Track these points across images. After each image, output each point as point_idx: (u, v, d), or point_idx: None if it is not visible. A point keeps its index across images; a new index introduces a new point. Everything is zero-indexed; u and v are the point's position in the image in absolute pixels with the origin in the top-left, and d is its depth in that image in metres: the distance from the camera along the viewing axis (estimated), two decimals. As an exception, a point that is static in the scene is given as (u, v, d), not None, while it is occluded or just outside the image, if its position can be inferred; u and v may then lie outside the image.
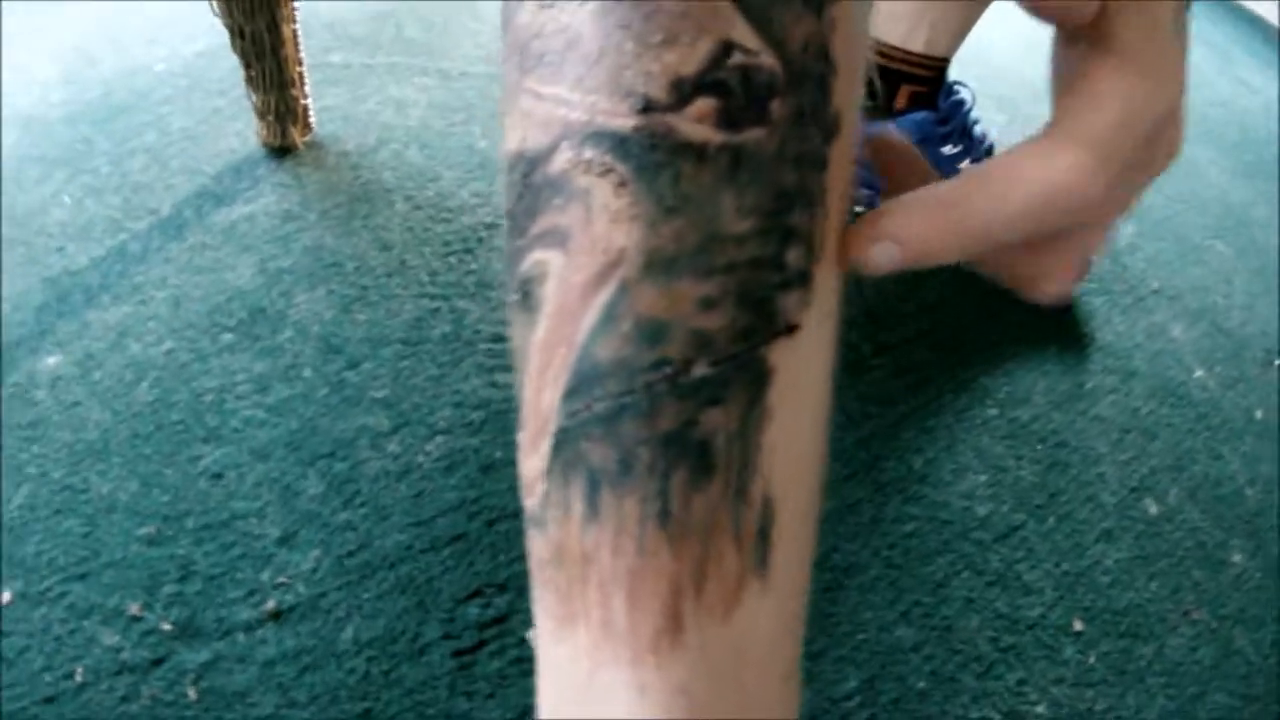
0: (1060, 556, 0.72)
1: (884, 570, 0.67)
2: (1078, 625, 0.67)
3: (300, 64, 0.87)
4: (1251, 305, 1.06)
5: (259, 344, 0.72)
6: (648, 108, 0.19)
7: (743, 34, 0.20)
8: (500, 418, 0.69)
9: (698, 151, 0.19)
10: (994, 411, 0.82)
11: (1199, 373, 0.93)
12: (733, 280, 0.20)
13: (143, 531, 0.60)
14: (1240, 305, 1.05)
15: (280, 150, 0.90)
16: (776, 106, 0.20)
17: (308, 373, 0.70)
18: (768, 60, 0.20)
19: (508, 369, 0.72)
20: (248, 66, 0.84)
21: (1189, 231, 1.14)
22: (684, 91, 0.19)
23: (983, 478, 0.75)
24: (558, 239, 0.20)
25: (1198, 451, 0.84)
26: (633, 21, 0.19)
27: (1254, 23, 2.04)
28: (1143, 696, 0.65)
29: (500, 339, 0.74)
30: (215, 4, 0.79)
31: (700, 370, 0.19)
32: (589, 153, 0.20)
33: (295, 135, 0.89)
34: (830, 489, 0.69)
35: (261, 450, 0.65)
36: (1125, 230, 1.09)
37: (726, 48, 0.19)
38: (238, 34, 0.81)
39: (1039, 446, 0.79)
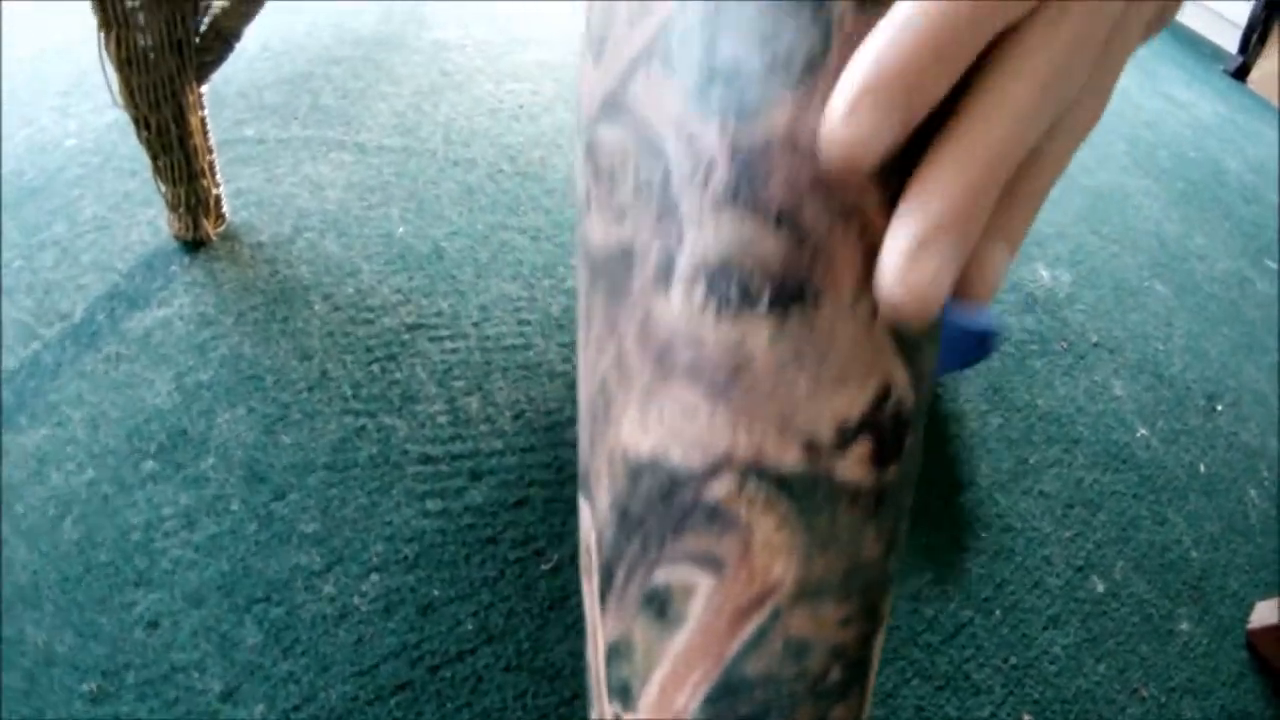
0: (1009, 650, 0.78)
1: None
2: None
3: (210, 152, 0.88)
4: (1192, 347, 1.14)
5: (182, 473, 0.75)
6: (813, 449, 0.21)
7: (899, 375, 0.22)
8: (434, 551, 0.73)
9: (852, 493, 0.22)
10: (940, 503, 0.88)
11: (1141, 431, 1.01)
12: (865, 598, 0.23)
13: (85, 688, 0.64)
14: (1181, 349, 1.13)
15: (193, 243, 0.91)
16: (910, 440, 0.22)
17: (235, 505, 0.73)
18: (911, 398, 0.22)
19: (439, 494, 0.76)
20: (154, 158, 0.85)
21: (1126, 274, 1.22)
22: (847, 436, 0.21)
23: (929, 575, 0.82)
24: (710, 563, 0.22)
25: (1142, 518, 0.92)
26: (807, 355, 0.21)
27: (1177, 34, 2.12)
28: None
29: (429, 459, 0.78)
30: (117, 93, 0.80)
31: (834, 675, 0.22)
32: (752, 486, 0.21)
33: (208, 227, 0.90)
34: None
35: (195, 594, 0.68)
36: (1063, 279, 1.17)
37: (886, 390, 0.22)
38: (142, 125, 0.82)
39: (983, 535, 0.86)
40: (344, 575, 0.71)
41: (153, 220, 0.93)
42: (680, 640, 0.22)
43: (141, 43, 0.76)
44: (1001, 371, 1.02)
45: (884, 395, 0.21)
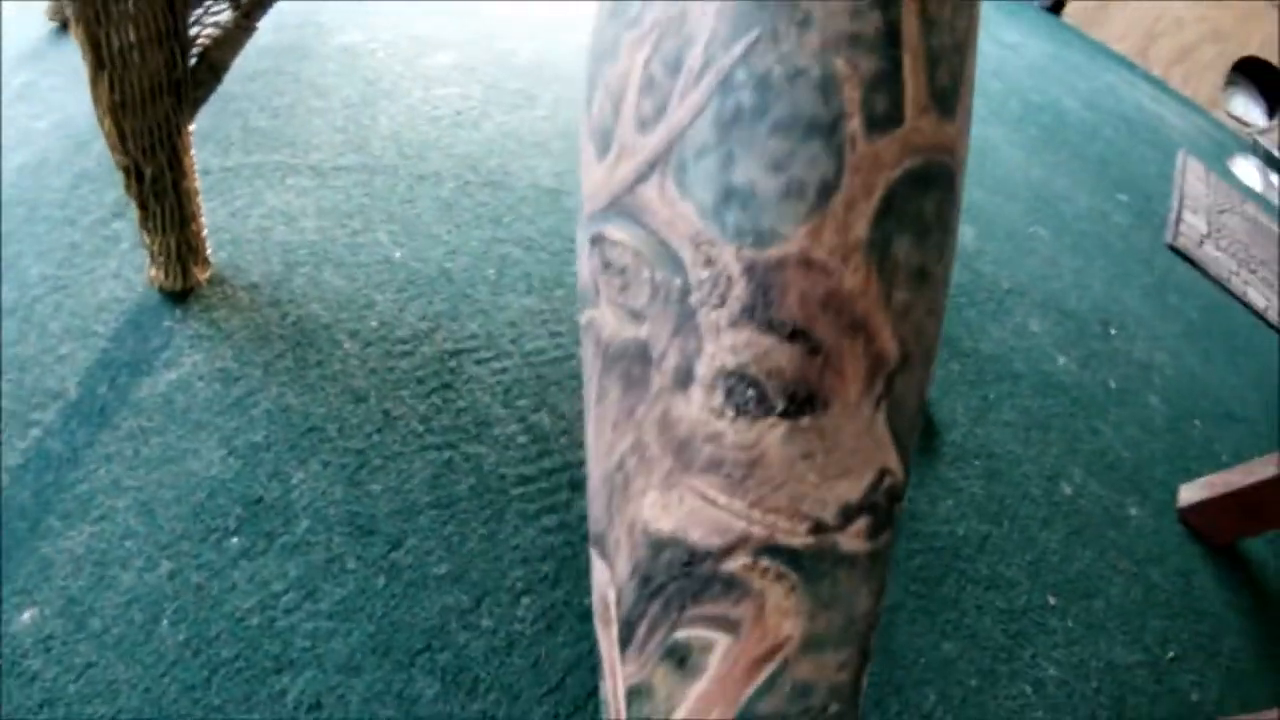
0: (1022, 550, 0.92)
1: (916, 601, 0.83)
2: (1052, 600, 0.88)
3: (199, 193, 0.81)
4: (1079, 282, 1.34)
5: (277, 542, 0.70)
6: (820, 528, 0.25)
7: (893, 461, 0.26)
8: (570, 563, 0.74)
9: (851, 560, 0.25)
10: (936, 439, 1.00)
11: (1061, 359, 1.18)
12: (859, 643, 0.27)
13: (267, 790, 0.60)
14: (1070, 284, 1.32)
15: (179, 293, 0.83)
16: (898, 509, 0.27)
17: (351, 564, 0.70)
18: (901, 476, 0.27)
19: (550, 509, 0.77)
20: (143, 208, 0.77)
21: (1013, 222, 1.40)
22: (849, 515, 0.25)
23: (950, 501, 0.93)
24: (727, 625, 0.26)
25: (1081, 431, 1.09)
26: (816, 452, 0.24)
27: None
28: (1108, 642, 0.87)
29: (527, 479, 0.78)
30: (108, 141, 0.72)
31: (833, 709, 0.27)
32: (766, 561, 0.25)
33: (198, 274, 0.83)
34: None
35: (348, 664, 0.65)
36: (967, 233, 1.32)
37: (882, 474, 0.26)
38: (133, 175, 0.74)
39: (975, 462, 0.99)
40: (495, 606, 0.70)
41: (117, 272, 0.84)
42: (699, 687, 0.26)
43: (136, 84, 0.69)
44: (948, 325, 1.16)
45: (880, 479, 0.25)
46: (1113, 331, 1.28)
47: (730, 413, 0.24)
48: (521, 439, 0.81)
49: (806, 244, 0.23)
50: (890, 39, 0.24)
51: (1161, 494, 1.07)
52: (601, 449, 0.28)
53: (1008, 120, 1.69)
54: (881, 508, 0.25)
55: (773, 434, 0.24)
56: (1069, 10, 2.31)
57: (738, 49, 0.24)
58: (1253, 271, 1.55)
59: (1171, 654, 0.89)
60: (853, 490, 0.24)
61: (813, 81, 0.23)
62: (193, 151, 0.78)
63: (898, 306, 0.24)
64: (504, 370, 0.86)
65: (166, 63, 0.71)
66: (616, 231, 0.27)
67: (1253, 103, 2.20)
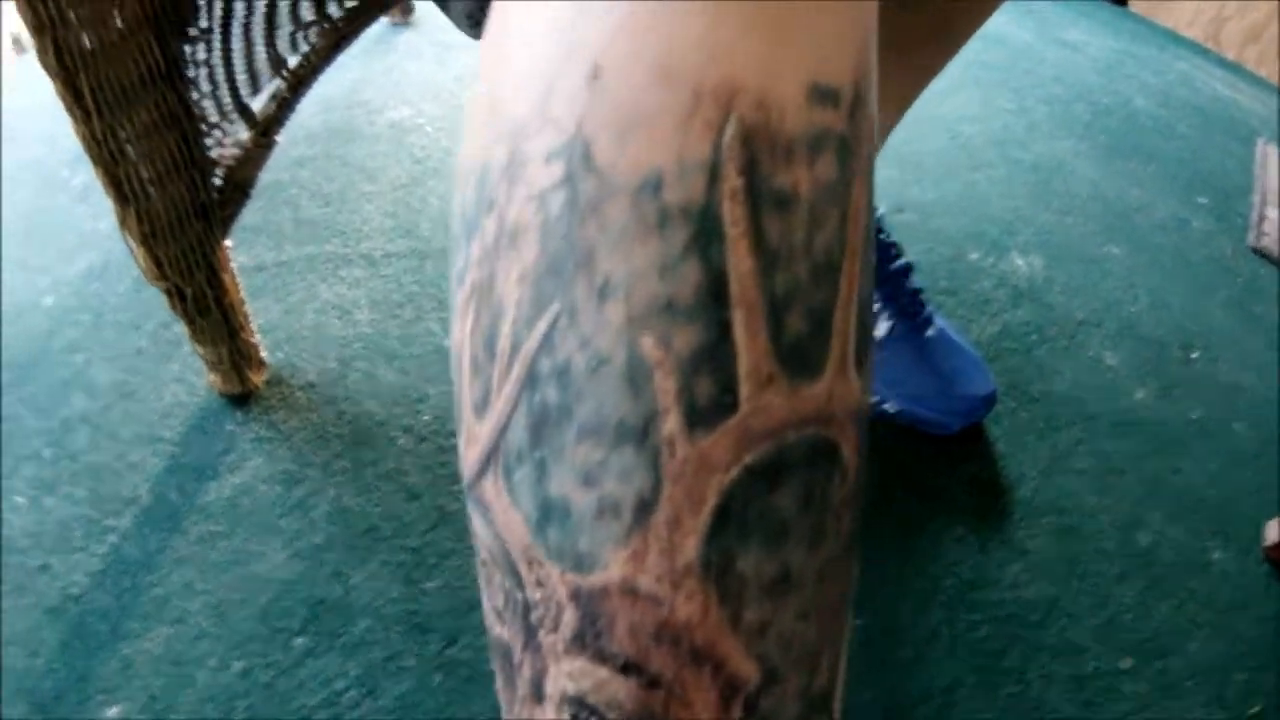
0: (1094, 612, 0.93)
1: (977, 677, 0.85)
2: (1126, 663, 0.89)
3: (244, 303, 0.88)
4: (1156, 302, 1.31)
5: (340, 641, 0.77)
6: None
7: None
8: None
9: None
10: (1007, 498, 1.01)
11: (1139, 393, 1.17)
12: None
13: None
14: (1147, 306, 1.30)
15: (238, 396, 0.91)
16: None
17: (410, 661, 0.77)
18: None
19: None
20: (191, 324, 0.84)
21: (1085, 244, 1.38)
22: None
23: (1017, 565, 0.95)
24: None
25: (1160, 472, 1.08)
26: None
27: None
28: (1186, 704, 0.87)
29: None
30: (143, 267, 0.78)
31: None
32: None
33: (253, 378, 0.91)
34: (908, 619, 0.85)
35: (409, 764, 0.72)
36: (1036, 264, 1.33)
37: None
38: (175, 296, 0.81)
39: (1045, 520, 1.00)
40: (548, 708, 0.76)
41: (179, 376, 0.92)
42: None
43: (162, 214, 0.75)
44: (1015, 369, 1.17)
45: None
46: (1194, 356, 1.26)
47: None
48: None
49: (629, 571, 0.21)
50: (713, 295, 0.21)
51: (1247, 533, 1.05)
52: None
53: (1075, 130, 1.65)
54: None
55: None
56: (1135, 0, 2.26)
57: (539, 330, 0.22)
58: (1346, 268, 1.49)
59: (1255, 709, 0.89)
60: None
61: (617, 372, 0.21)
62: (233, 265, 0.85)
63: (750, 626, 0.22)
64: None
65: (189, 190, 0.77)
66: (475, 520, 0.26)
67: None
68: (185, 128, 0.75)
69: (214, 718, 0.72)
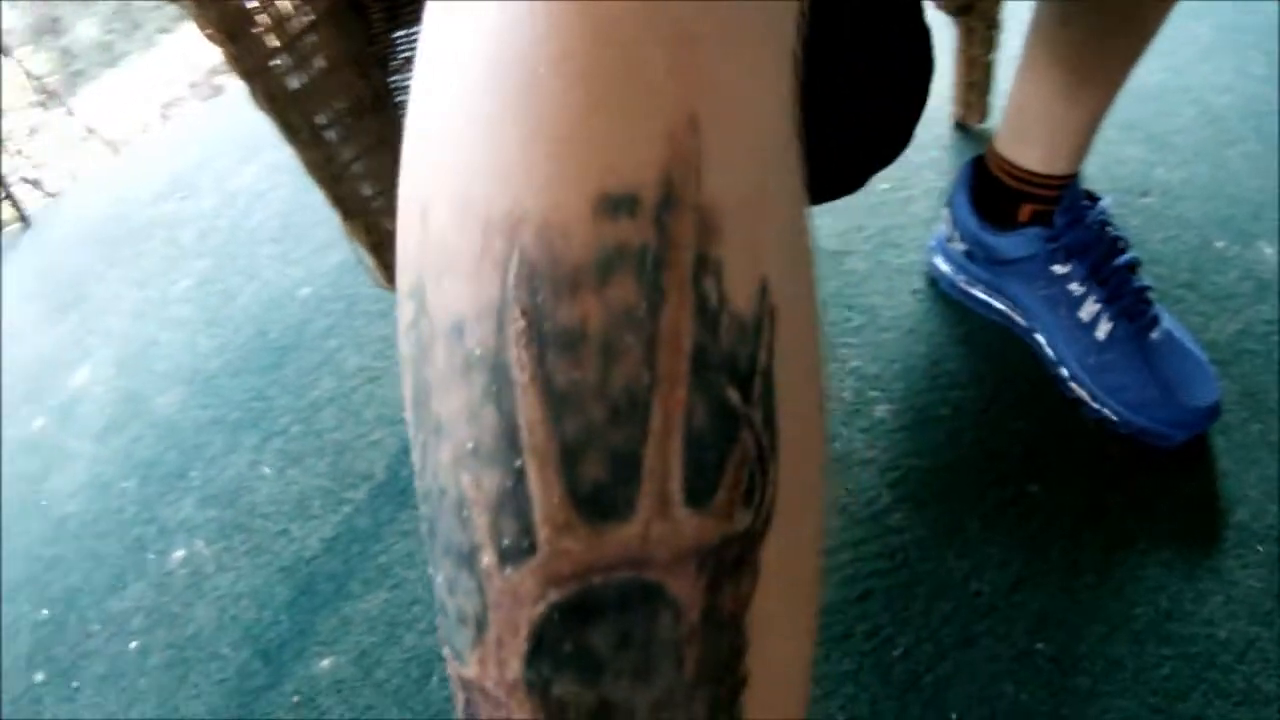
0: None
1: (1152, 716, 0.74)
2: None
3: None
4: None
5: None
6: None
7: None
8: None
9: None
10: (1217, 521, 0.87)
11: None
12: None
13: None
14: None
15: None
16: None
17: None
18: None
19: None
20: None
21: None
22: None
23: (1219, 598, 0.82)
24: None
25: None
26: None
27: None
28: None
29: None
30: (374, 277, 0.84)
31: None
32: None
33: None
34: (1092, 647, 0.75)
35: None
36: (1265, 252, 1.15)
37: None
38: None
39: (1260, 548, 0.85)
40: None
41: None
42: None
43: (388, 225, 0.81)
44: (1253, 373, 1.00)
45: None
46: None
47: None
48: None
49: (479, 673, 0.22)
50: (509, 442, 0.21)
51: None
52: None
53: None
54: None
55: None
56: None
57: (415, 453, 0.23)
58: None
59: None
60: None
61: (451, 503, 0.22)
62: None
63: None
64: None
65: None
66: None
67: None
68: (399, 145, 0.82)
69: (415, 676, 0.76)
